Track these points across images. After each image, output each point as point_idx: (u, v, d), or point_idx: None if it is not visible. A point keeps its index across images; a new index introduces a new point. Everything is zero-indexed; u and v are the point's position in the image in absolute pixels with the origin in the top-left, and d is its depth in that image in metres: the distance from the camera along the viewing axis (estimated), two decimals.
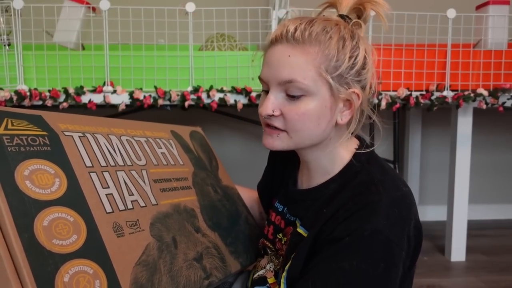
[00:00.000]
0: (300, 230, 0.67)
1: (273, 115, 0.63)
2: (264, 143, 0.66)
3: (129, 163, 0.66)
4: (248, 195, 0.95)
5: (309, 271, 0.60)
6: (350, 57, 0.61)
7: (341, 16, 0.65)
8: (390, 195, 0.60)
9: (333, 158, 0.67)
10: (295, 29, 0.60)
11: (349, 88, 0.62)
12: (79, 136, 0.61)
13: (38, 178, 0.51)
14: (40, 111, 0.60)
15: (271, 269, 0.74)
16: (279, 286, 0.70)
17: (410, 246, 0.61)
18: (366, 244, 0.56)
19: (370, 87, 0.65)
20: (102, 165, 0.61)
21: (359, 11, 0.66)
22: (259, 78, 0.65)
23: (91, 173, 0.58)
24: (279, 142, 0.64)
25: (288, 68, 0.60)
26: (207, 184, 0.82)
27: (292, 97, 0.61)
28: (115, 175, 0.62)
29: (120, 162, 0.65)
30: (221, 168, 0.90)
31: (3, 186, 0.47)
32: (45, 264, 0.46)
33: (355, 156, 0.66)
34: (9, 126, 0.53)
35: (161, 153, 0.75)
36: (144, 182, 0.66)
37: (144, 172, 0.68)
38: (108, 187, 0.59)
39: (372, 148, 0.69)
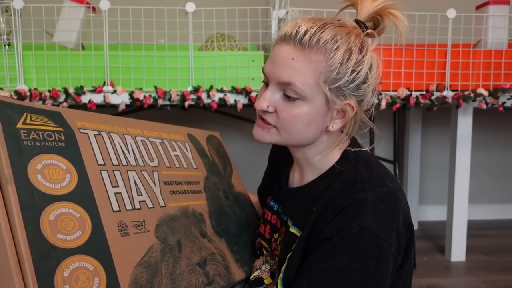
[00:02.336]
0: (293, 230, 0.67)
1: (267, 111, 0.64)
2: (254, 133, 0.68)
3: (141, 163, 0.66)
4: (255, 201, 0.95)
5: (303, 272, 0.61)
6: (353, 72, 0.61)
7: (358, 22, 0.65)
8: (376, 191, 0.60)
9: (324, 159, 0.68)
10: (305, 32, 0.60)
11: (345, 100, 0.62)
12: (94, 134, 0.62)
13: (50, 172, 0.52)
14: (59, 107, 0.61)
15: (267, 270, 0.74)
16: (276, 287, 0.70)
17: (400, 242, 0.61)
18: (355, 241, 0.57)
19: (374, 93, 0.66)
20: (114, 164, 0.62)
21: (376, 21, 0.66)
22: (262, 69, 0.66)
23: (102, 171, 0.59)
24: (268, 136, 0.66)
25: (289, 71, 0.61)
26: (219, 189, 0.81)
27: (288, 98, 0.62)
28: (126, 174, 0.62)
29: (133, 162, 0.65)
30: (235, 174, 0.90)
31: (15, 178, 0.48)
32: (47, 257, 0.47)
33: (344, 154, 0.68)
34: (28, 121, 0.54)
35: (175, 155, 0.75)
36: (154, 183, 0.67)
37: (155, 173, 0.68)
38: (118, 186, 0.60)
39: (364, 149, 0.69)
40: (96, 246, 0.52)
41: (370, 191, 0.60)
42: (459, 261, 1.77)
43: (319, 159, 0.68)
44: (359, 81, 0.62)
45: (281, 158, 0.82)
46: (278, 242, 0.73)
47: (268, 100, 0.64)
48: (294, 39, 0.61)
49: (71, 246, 0.50)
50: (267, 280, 0.73)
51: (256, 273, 0.75)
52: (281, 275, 0.66)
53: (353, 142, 0.70)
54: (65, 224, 0.50)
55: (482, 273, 1.66)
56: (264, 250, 0.77)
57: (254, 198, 0.95)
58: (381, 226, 0.58)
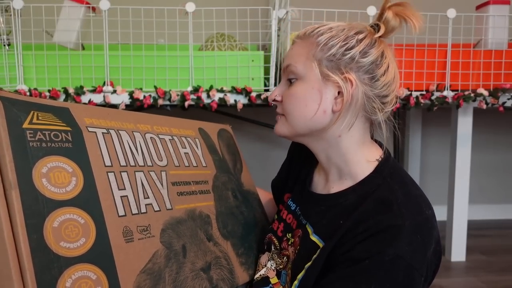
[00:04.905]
0: (314, 238, 0.65)
1: (275, 100, 0.69)
2: (274, 130, 0.72)
3: (149, 163, 0.65)
4: (269, 198, 0.94)
5: (323, 287, 0.59)
6: (344, 44, 0.63)
7: (371, 24, 0.67)
8: (414, 219, 0.58)
9: (346, 159, 0.66)
10: (306, 30, 0.66)
11: (341, 74, 0.63)
12: (102, 133, 0.60)
13: (55, 176, 0.50)
14: (68, 103, 0.59)
15: (273, 268, 0.73)
16: (282, 287, 0.69)
17: (428, 271, 0.60)
18: (386, 269, 0.55)
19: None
20: (121, 164, 0.60)
21: (382, 15, 0.66)
22: None
23: (109, 173, 0.57)
24: (280, 127, 0.69)
25: (288, 57, 0.68)
26: (227, 188, 0.80)
27: (290, 82, 0.67)
28: (133, 176, 0.61)
29: (141, 162, 0.63)
30: (245, 171, 0.88)
31: (20, 183, 0.47)
32: (50, 267, 0.46)
33: (378, 168, 0.65)
34: (34, 120, 0.52)
35: (185, 153, 0.73)
36: (161, 184, 0.65)
37: (163, 173, 0.66)
38: (124, 189, 0.58)
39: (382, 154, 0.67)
40: (100, 254, 0.51)
41: (407, 219, 0.57)
42: (459, 261, 1.77)
43: (343, 161, 0.67)
44: (353, 54, 0.62)
45: (304, 157, 0.80)
46: (289, 243, 0.72)
47: (277, 91, 0.70)
48: (297, 36, 0.68)
49: (74, 254, 0.48)
50: (273, 280, 0.72)
51: (262, 272, 0.74)
52: (296, 282, 0.64)
53: (387, 156, 0.68)
54: (69, 231, 0.49)
55: (482, 273, 1.66)
56: (273, 247, 0.76)
57: (268, 195, 0.94)
58: (416, 256, 0.56)
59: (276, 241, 0.76)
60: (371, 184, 0.64)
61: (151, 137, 0.68)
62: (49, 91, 1.42)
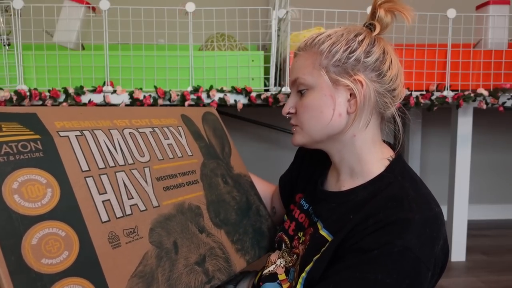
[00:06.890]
0: (323, 232, 0.66)
1: (289, 113, 0.71)
2: (291, 141, 0.73)
3: (130, 161, 0.62)
4: (264, 188, 0.94)
5: (330, 276, 0.60)
6: (347, 48, 0.64)
7: (365, 24, 0.68)
8: (423, 214, 0.59)
9: (360, 158, 0.68)
10: (306, 41, 0.68)
11: (349, 77, 0.64)
12: (76, 136, 0.57)
13: (28, 190, 0.48)
14: (35, 107, 0.56)
15: (282, 265, 0.74)
16: (290, 284, 0.70)
17: (436, 267, 0.60)
18: (394, 260, 0.56)
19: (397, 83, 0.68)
20: (100, 167, 0.57)
21: (376, 15, 0.68)
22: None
23: (87, 178, 0.54)
24: (297, 137, 0.71)
25: (295, 70, 0.70)
26: (217, 175, 0.78)
27: (300, 94, 0.69)
28: (114, 177, 0.58)
29: (121, 162, 0.60)
30: (234, 154, 0.86)
31: None
32: (32, 287, 0.44)
33: (389, 167, 0.67)
34: None
35: (168, 144, 0.71)
36: (146, 182, 0.63)
37: (146, 170, 0.64)
38: (106, 193, 0.56)
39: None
40: (85, 265, 0.49)
41: (418, 213, 0.59)
42: (459, 261, 1.77)
43: (356, 160, 0.68)
44: (358, 55, 0.64)
45: (316, 158, 0.81)
46: (301, 241, 0.72)
47: (289, 103, 0.71)
48: (299, 48, 0.70)
49: (58, 270, 0.46)
50: (281, 276, 0.72)
51: (271, 268, 0.74)
52: (304, 274, 0.65)
53: (399, 156, 0.70)
54: (49, 247, 0.46)
55: (482, 273, 1.66)
56: (283, 245, 0.76)
57: (269, 187, 0.95)
58: (424, 250, 0.57)
59: (287, 240, 0.76)
60: (382, 182, 0.65)
61: (130, 133, 0.65)
62: (49, 91, 1.42)
